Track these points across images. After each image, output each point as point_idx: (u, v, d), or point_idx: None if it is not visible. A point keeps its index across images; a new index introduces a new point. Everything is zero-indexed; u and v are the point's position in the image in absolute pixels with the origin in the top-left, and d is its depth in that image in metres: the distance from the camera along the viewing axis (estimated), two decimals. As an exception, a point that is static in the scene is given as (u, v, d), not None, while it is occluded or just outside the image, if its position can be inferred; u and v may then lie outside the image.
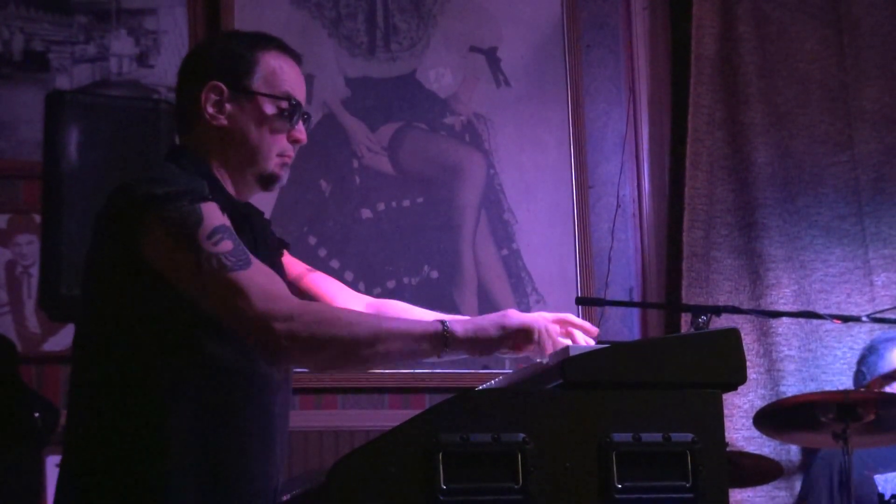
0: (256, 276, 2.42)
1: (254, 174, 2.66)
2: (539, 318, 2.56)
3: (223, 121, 2.62)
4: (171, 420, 2.43)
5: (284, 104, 2.65)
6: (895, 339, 4.90)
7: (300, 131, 2.68)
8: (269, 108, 2.64)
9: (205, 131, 2.63)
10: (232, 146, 2.63)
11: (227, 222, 2.46)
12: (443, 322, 2.49)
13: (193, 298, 2.43)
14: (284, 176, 2.70)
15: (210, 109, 2.62)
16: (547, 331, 2.55)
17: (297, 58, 2.71)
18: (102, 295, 2.50)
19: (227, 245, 2.41)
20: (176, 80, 2.73)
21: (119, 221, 2.45)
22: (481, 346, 2.51)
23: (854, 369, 5.06)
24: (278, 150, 2.66)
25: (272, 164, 2.66)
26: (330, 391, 4.99)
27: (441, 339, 2.47)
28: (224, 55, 2.66)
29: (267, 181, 2.68)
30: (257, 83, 2.64)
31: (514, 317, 2.53)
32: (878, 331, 5.07)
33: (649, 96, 5.56)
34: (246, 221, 2.58)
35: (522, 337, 2.52)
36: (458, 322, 2.51)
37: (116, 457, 2.42)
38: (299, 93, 2.69)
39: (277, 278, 2.47)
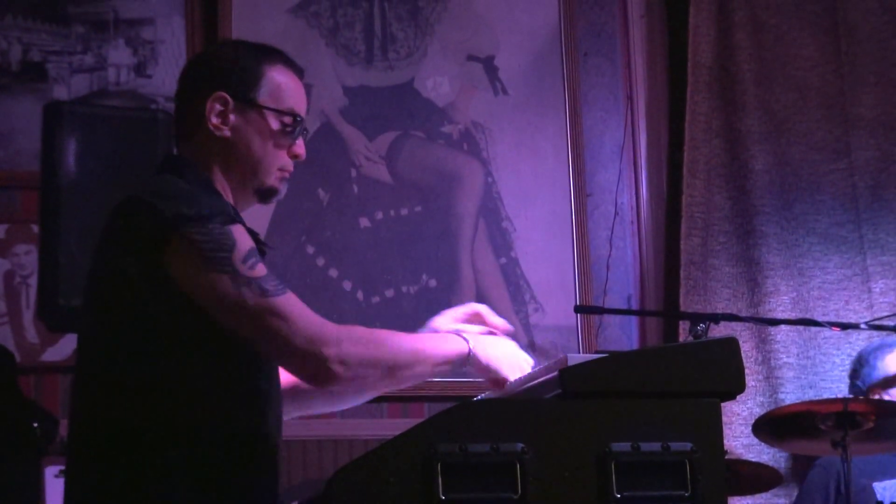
0: (295, 302, 2.44)
1: (254, 187, 2.66)
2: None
3: (226, 132, 2.62)
4: (184, 434, 2.43)
5: (288, 119, 2.66)
6: (883, 347, 4.90)
7: (301, 147, 2.70)
8: (274, 123, 2.65)
9: (206, 141, 2.63)
10: (234, 157, 2.63)
11: (255, 246, 2.47)
12: (468, 342, 2.60)
13: (226, 322, 2.42)
14: (283, 190, 2.71)
15: (214, 119, 2.62)
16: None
17: (300, 73, 2.72)
18: (116, 309, 2.48)
19: (261, 269, 2.43)
20: (178, 87, 2.72)
21: (142, 238, 2.42)
22: (491, 373, 2.67)
23: (848, 382, 5.05)
24: (279, 165, 2.67)
25: (273, 177, 2.67)
26: (329, 400, 4.98)
27: (465, 361, 2.60)
28: (231, 66, 2.66)
29: (266, 194, 2.69)
30: (263, 97, 2.64)
31: (519, 355, 2.68)
32: (876, 338, 5.07)
33: (647, 104, 5.56)
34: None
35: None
36: (474, 339, 2.62)
37: (128, 467, 2.42)
38: (302, 109, 2.70)
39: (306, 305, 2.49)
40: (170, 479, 2.41)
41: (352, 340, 2.44)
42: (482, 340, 2.62)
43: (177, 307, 2.43)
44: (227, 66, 2.66)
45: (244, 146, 2.63)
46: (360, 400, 2.89)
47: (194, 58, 2.83)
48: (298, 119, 2.67)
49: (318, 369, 2.41)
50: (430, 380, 2.73)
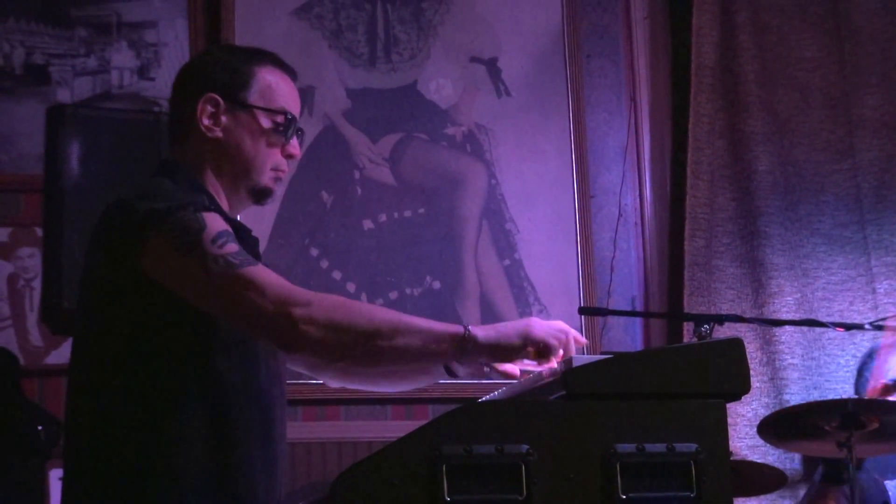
0: (265, 271, 2.42)
1: (247, 187, 2.67)
2: (562, 329, 2.53)
3: (218, 133, 2.63)
4: (180, 436, 2.43)
5: (280, 118, 2.66)
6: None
7: (294, 146, 2.70)
8: (265, 122, 2.65)
9: (199, 143, 2.64)
10: (226, 158, 2.64)
11: (230, 228, 2.46)
12: (464, 325, 2.46)
13: (201, 304, 2.42)
14: (277, 190, 2.71)
15: (206, 121, 2.63)
16: (569, 343, 2.51)
17: (292, 73, 2.73)
18: (105, 312, 2.49)
19: (232, 247, 2.42)
20: (171, 92, 2.74)
21: (119, 238, 2.45)
22: (502, 352, 2.48)
23: (855, 377, 5.05)
24: (272, 164, 2.67)
25: (266, 177, 2.67)
26: (333, 402, 4.98)
27: (461, 342, 2.43)
28: (221, 68, 2.67)
29: (260, 195, 2.69)
30: (254, 97, 2.65)
31: (538, 326, 2.49)
32: (882, 338, 5.06)
33: (650, 106, 5.56)
34: (239, 237, 2.57)
35: (544, 348, 2.49)
36: (480, 327, 2.47)
37: (126, 471, 2.42)
38: (294, 108, 2.70)
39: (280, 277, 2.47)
40: (167, 480, 2.41)
41: (324, 304, 2.39)
42: (487, 326, 2.50)
43: (160, 306, 2.43)
44: (217, 69, 2.67)
45: (235, 146, 2.64)
46: (390, 383, 2.77)
47: (186, 63, 2.84)
48: (290, 118, 2.68)
49: (287, 331, 2.36)
50: (431, 368, 2.65)
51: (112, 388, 2.45)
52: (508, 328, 2.49)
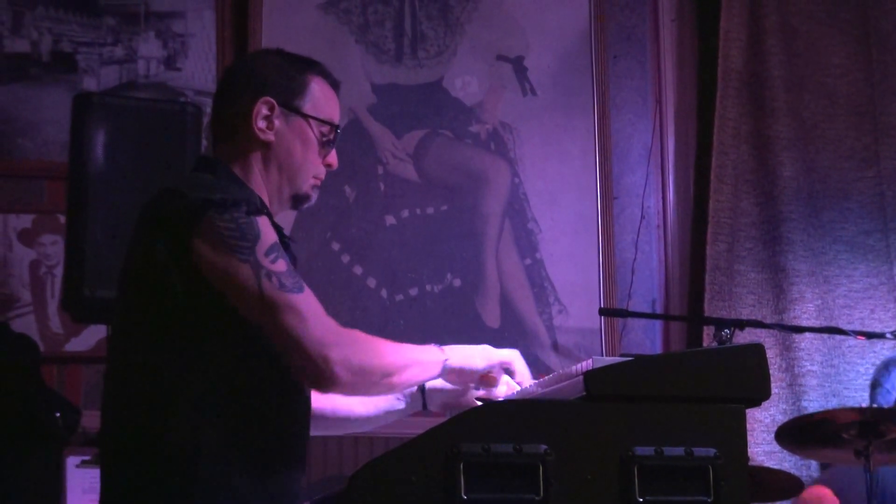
0: (310, 301, 2.47)
1: (290, 192, 2.71)
2: (514, 353, 2.77)
3: (270, 136, 2.66)
4: (233, 422, 2.45)
5: (327, 129, 2.71)
6: None
7: (334, 157, 2.75)
8: (316, 132, 2.69)
9: (247, 143, 2.66)
10: (274, 162, 2.68)
11: (278, 240, 2.49)
12: (442, 349, 2.67)
13: (243, 311, 2.44)
14: (314, 197, 2.75)
15: (260, 123, 2.66)
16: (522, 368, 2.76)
17: (337, 86, 2.79)
18: (147, 297, 2.50)
19: (282, 265, 2.46)
20: (219, 89, 2.77)
21: (170, 225, 2.46)
22: (466, 376, 2.70)
23: (870, 388, 5.03)
24: (314, 173, 2.72)
25: (307, 184, 2.72)
26: (350, 397, 4.98)
27: (441, 366, 2.65)
28: (277, 73, 2.71)
29: (300, 201, 2.73)
30: (307, 105, 2.69)
31: (495, 350, 2.74)
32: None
33: (676, 108, 5.55)
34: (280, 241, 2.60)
35: (503, 369, 2.73)
36: (449, 348, 2.68)
37: (171, 458, 2.43)
38: (337, 120, 2.76)
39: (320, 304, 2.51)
40: (202, 468, 2.42)
41: (355, 346, 2.49)
42: (455, 349, 2.69)
43: (205, 293, 2.44)
44: (274, 73, 2.71)
45: (286, 152, 2.67)
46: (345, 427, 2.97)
47: (238, 62, 2.89)
48: (338, 130, 2.73)
49: (322, 371, 2.43)
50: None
51: (159, 375, 2.45)
52: (471, 350, 2.72)
